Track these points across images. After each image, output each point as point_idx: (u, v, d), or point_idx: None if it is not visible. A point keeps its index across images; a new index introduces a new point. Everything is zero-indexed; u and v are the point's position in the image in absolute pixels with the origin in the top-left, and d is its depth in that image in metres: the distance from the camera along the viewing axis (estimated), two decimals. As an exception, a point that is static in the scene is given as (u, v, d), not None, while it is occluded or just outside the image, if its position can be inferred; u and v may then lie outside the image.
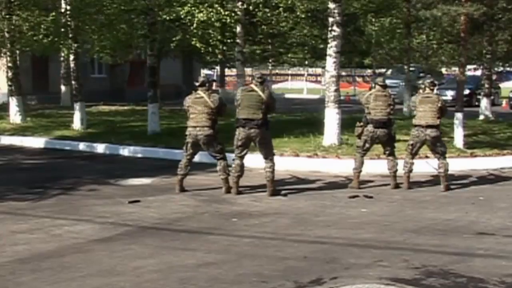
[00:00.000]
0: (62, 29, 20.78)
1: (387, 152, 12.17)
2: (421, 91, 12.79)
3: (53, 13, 20.65)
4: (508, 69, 35.27)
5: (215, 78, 41.60)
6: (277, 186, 11.72)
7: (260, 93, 11.05)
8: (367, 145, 12.14)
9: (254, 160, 12.43)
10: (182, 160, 11.70)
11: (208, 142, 11.44)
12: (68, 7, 20.79)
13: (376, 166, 13.12)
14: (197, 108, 11.36)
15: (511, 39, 20.68)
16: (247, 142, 11.27)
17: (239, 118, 11.19)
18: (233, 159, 11.33)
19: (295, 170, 13.83)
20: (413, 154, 12.09)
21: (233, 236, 8.63)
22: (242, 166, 11.30)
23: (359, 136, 12.24)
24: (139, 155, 16.47)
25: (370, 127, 12.01)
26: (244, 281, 6.69)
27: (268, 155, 11.37)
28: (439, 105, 11.80)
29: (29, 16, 20.57)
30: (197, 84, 11.88)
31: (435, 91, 12.37)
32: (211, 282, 6.68)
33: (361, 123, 12.18)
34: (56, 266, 7.26)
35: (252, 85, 11.33)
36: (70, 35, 20.60)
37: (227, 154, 11.61)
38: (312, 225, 9.23)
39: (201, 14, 17.93)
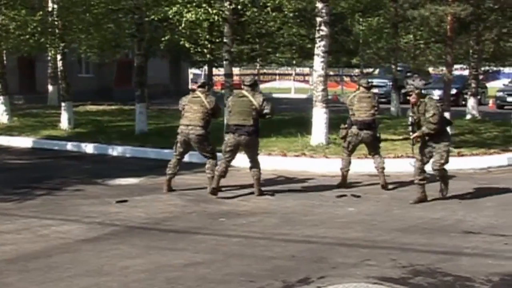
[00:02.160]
0: (49, 29, 20.72)
1: (372, 153, 12.21)
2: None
3: (40, 12, 20.59)
4: (494, 68, 35.34)
5: (203, 78, 41.54)
6: (265, 186, 11.73)
7: (252, 99, 10.98)
8: (351, 147, 12.16)
9: (242, 161, 12.41)
10: (172, 159, 11.76)
11: (199, 141, 11.51)
12: (55, 6, 20.71)
13: (363, 165, 13.13)
14: (193, 107, 11.46)
15: (498, 39, 20.74)
16: (236, 148, 11.30)
17: (230, 124, 11.19)
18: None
19: (282, 170, 13.84)
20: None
21: (220, 235, 8.63)
22: (227, 169, 11.28)
23: (343, 138, 12.22)
24: (127, 155, 16.44)
25: (354, 129, 12.02)
26: (232, 281, 6.69)
27: (254, 157, 11.41)
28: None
29: (15, 15, 20.47)
30: (196, 85, 12.14)
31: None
32: (199, 282, 6.67)
33: (346, 125, 12.17)
34: (43, 267, 7.24)
35: (243, 91, 11.31)
36: (57, 35, 20.54)
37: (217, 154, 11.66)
38: (300, 224, 9.24)
39: (190, 14, 17.89)
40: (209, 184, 11.48)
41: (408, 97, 10.91)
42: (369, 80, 13.38)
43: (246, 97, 11.07)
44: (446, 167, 10.70)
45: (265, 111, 11.12)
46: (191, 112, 11.45)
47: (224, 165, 11.21)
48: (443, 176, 10.83)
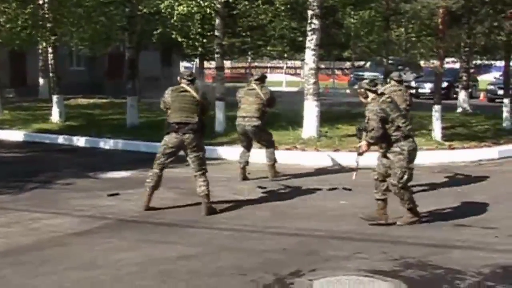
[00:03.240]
0: (40, 22, 20.60)
1: None
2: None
3: (31, 6, 20.46)
4: (486, 62, 35.42)
5: (194, 71, 41.43)
6: (258, 179, 11.76)
7: (194, 93, 9.71)
8: None
9: (233, 153, 12.42)
10: (241, 149, 12.35)
11: (254, 132, 12.01)
12: (46, 0, 20.63)
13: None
14: (248, 99, 11.99)
15: (489, 32, 20.75)
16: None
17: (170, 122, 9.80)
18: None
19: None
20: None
21: (212, 229, 8.64)
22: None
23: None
24: (119, 148, 16.41)
25: None
26: (223, 274, 6.70)
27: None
28: (405, 97, 11.33)
29: (6, 9, 20.36)
30: (255, 77, 12.50)
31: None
32: (191, 275, 6.68)
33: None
34: (36, 260, 7.24)
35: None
36: (48, 28, 20.44)
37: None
38: (291, 217, 9.26)
39: (181, 7, 17.86)
40: (268, 172, 12.04)
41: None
42: (360, 73, 13.32)
43: (187, 92, 9.85)
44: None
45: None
46: (247, 104, 11.97)
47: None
48: (400, 198, 8.79)
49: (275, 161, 12.28)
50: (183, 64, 49.02)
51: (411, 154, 8.71)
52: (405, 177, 8.61)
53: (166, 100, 9.75)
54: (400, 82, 11.58)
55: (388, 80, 12.39)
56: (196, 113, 9.57)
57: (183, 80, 9.82)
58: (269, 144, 12.30)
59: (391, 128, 8.65)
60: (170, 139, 9.63)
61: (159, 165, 9.77)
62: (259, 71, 12.53)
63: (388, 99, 8.87)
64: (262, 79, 12.36)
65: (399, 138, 8.65)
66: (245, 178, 12.18)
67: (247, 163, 12.23)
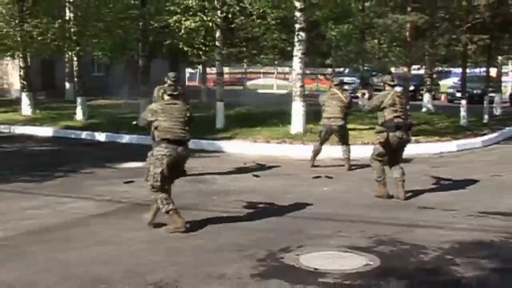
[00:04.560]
0: (67, 35, 20.64)
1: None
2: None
3: (59, 21, 20.55)
4: (446, 69, 35.44)
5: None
6: (251, 168, 11.71)
7: (341, 96, 11.60)
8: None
9: (232, 146, 12.36)
10: (315, 144, 12.53)
11: (339, 130, 12.09)
12: (72, 15, 20.63)
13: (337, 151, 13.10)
14: (332, 103, 12.01)
15: (449, 43, 20.78)
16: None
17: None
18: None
19: (266, 155, 13.82)
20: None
21: (213, 211, 8.58)
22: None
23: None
24: (133, 143, 16.33)
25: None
26: (223, 250, 6.65)
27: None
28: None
29: (38, 24, 20.41)
30: (334, 83, 12.56)
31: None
32: (194, 250, 6.63)
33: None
34: (61, 237, 7.20)
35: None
36: (74, 40, 20.44)
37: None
38: (281, 201, 9.20)
39: (188, 22, 17.81)
40: (345, 164, 12.12)
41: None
42: (340, 78, 13.33)
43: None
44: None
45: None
46: (331, 107, 12.02)
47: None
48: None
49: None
50: (188, 70, 48.82)
51: (390, 139, 9.16)
52: (375, 152, 9.39)
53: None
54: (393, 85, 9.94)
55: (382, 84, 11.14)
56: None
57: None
58: (347, 142, 12.31)
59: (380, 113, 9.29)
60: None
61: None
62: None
63: (398, 93, 9.56)
64: (341, 84, 12.54)
65: (382, 123, 9.21)
66: (313, 165, 12.33)
67: (318, 153, 12.46)
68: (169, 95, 7.59)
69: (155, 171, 7.29)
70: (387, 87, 9.45)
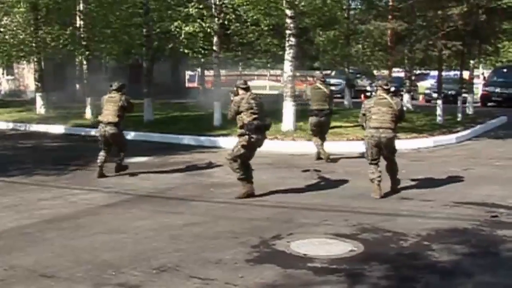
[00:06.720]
0: (77, 40, 20.70)
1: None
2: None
3: (70, 28, 20.71)
4: (423, 71, 35.44)
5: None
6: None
7: (391, 101, 8.88)
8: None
9: (229, 142, 12.33)
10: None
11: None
12: (82, 23, 20.68)
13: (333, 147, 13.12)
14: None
15: (426, 48, 20.81)
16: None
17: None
18: None
19: (260, 150, 13.78)
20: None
21: (211, 202, 8.60)
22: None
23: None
24: (138, 139, 16.30)
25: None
26: (220, 237, 6.68)
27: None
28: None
29: (51, 31, 20.54)
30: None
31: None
32: (194, 238, 6.66)
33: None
34: (73, 226, 7.22)
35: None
36: (84, 45, 20.46)
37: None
38: (273, 192, 9.22)
39: (188, 28, 17.79)
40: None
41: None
42: (327, 80, 13.34)
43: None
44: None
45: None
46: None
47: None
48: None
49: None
50: (188, 72, 48.73)
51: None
52: (236, 153, 8.91)
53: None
54: (387, 90, 9.16)
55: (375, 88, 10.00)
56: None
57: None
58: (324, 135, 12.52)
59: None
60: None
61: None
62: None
63: (253, 96, 9.04)
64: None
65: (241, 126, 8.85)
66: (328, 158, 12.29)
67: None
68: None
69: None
70: (241, 91, 8.93)
